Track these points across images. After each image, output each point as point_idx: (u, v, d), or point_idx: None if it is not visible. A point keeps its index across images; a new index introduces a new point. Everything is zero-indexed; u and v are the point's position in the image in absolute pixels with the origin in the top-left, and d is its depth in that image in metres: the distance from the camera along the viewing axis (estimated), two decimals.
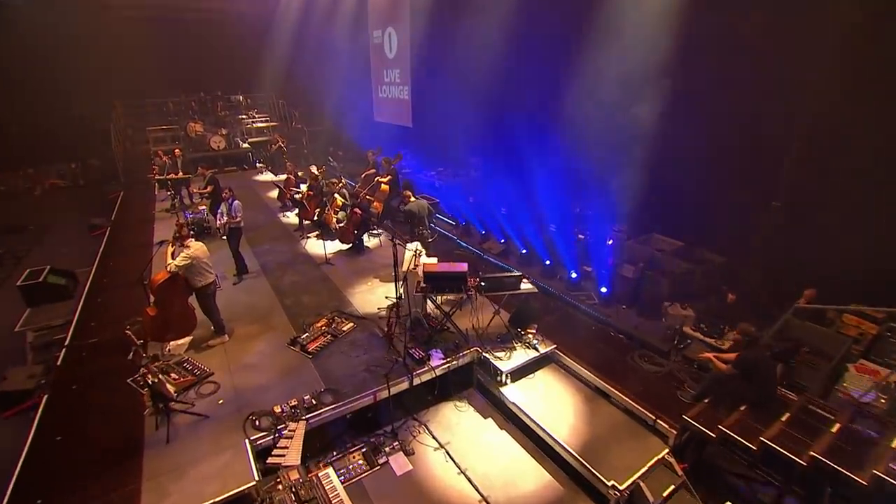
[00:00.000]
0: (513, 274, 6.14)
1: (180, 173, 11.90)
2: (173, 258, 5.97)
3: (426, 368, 5.95)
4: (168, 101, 17.83)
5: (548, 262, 8.69)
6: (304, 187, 11.51)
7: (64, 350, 6.49)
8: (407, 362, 5.99)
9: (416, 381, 5.84)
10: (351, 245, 9.30)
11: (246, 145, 16.69)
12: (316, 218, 10.02)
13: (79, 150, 17.63)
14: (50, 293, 8.18)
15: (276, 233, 10.53)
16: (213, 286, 6.21)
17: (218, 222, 7.87)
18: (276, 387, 5.64)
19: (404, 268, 6.41)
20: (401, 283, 6.54)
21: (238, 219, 7.85)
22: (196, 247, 6.01)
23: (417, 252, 6.70)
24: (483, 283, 5.99)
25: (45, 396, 5.63)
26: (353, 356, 6.17)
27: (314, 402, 5.34)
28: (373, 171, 11.08)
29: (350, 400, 5.44)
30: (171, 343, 6.28)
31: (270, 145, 16.63)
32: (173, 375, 5.66)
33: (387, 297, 7.50)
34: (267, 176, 15.69)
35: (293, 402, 5.30)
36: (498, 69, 10.26)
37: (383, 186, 10.03)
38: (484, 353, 6.20)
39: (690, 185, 7.43)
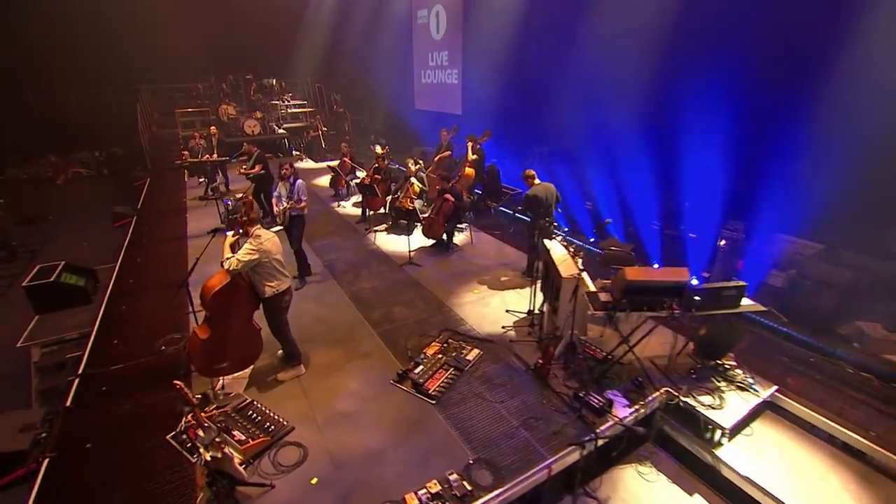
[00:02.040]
0: (733, 285, 3.99)
1: (215, 155, 9.88)
2: (234, 252, 3.92)
3: (611, 422, 3.85)
4: (197, 83, 15.82)
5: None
6: (359, 174, 9.46)
7: (76, 383, 4.47)
8: (584, 413, 3.89)
9: (601, 442, 3.75)
10: (435, 241, 7.21)
11: (282, 131, 14.65)
12: (385, 208, 7.96)
13: (103, 137, 15.77)
14: (63, 296, 6.16)
15: (333, 225, 8.47)
16: (288, 295, 4.15)
17: (275, 208, 5.85)
18: (394, 453, 3.57)
19: (566, 272, 4.29)
20: (535, 292, 4.44)
21: (303, 203, 5.80)
22: (267, 237, 3.95)
23: (575, 252, 4.59)
24: (698, 298, 3.85)
25: (47, 460, 3.62)
26: (495, 401, 4.07)
27: (466, 484, 3.25)
28: (447, 153, 8.98)
29: (521, 479, 3.35)
30: (226, 377, 4.24)
31: (308, 131, 14.59)
32: (236, 433, 3.61)
33: (509, 312, 5.40)
34: (307, 163, 13.65)
35: (433, 487, 3.22)
36: (573, 50, 8.05)
37: (468, 170, 7.92)
38: (682, 398, 4.09)
39: (825, 175, 5.25)
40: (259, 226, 3.99)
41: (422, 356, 4.54)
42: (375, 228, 7.93)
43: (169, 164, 13.16)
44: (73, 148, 15.82)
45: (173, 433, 3.62)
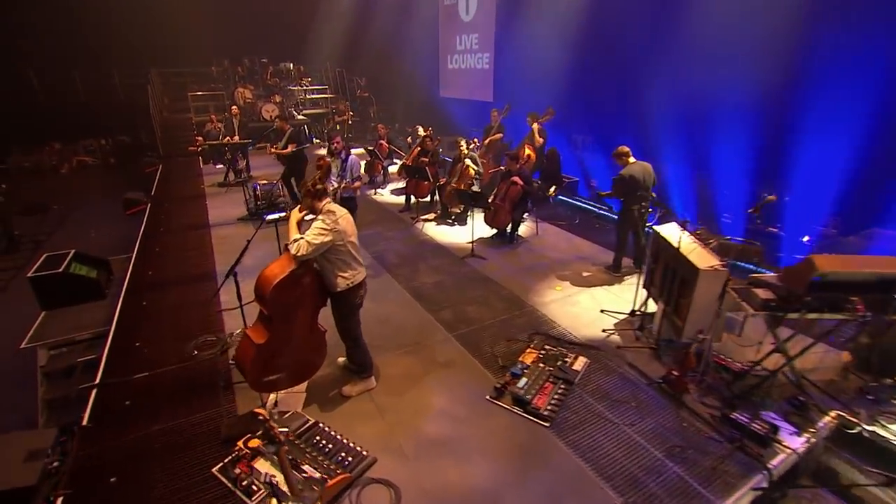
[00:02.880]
0: None
1: (236, 137, 9.14)
2: (300, 231, 3.14)
3: (782, 455, 3.04)
4: (211, 66, 15.09)
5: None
6: (397, 160, 8.68)
7: (93, 394, 3.70)
8: (745, 442, 3.08)
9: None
10: (497, 231, 6.41)
11: (301, 117, 13.90)
12: (431, 196, 7.17)
13: (110, 124, 15.08)
14: (74, 290, 5.40)
15: (374, 213, 7.68)
16: (363, 290, 3.36)
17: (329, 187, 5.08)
18: (513, 494, 2.77)
19: (702, 263, 3.48)
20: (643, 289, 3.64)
21: (358, 183, 5.02)
22: (341, 213, 3.15)
23: (705, 238, 3.79)
24: None
25: (61, 500, 2.85)
26: (622, 423, 3.26)
27: None
28: (499, 135, 8.19)
29: None
30: (281, 392, 3.46)
31: (330, 118, 13.84)
32: (306, 468, 2.82)
33: (604, 312, 4.59)
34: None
35: None
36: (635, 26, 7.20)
37: (529, 152, 7.11)
38: (865, 426, 3.27)
39: None
40: (330, 199, 3.20)
41: (519, 366, 3.74)
42: (424, 217, 7.14)
43: (181, 150, 12.46)
44: (78, 135, 15.19)
45: (221, 465, 2.86)
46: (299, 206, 3.19)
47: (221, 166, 11.31)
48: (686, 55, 6.36)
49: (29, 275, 5.23)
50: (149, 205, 8.29)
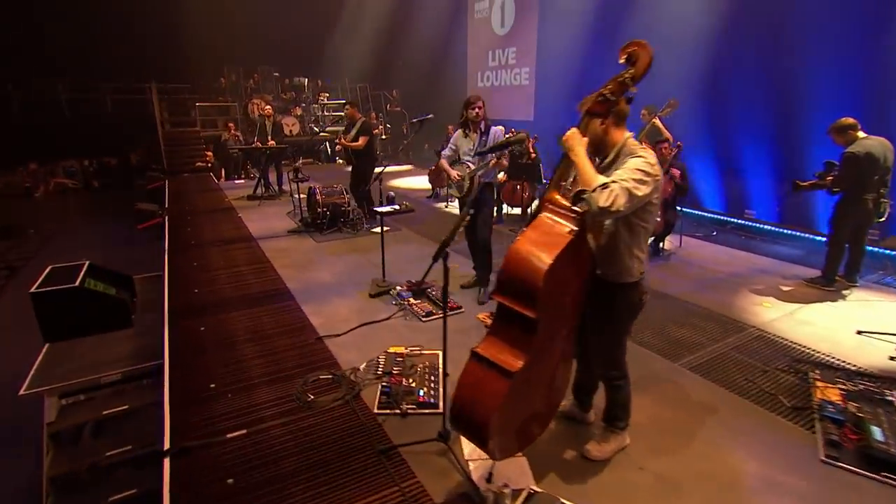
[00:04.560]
0: None
1: (271, 142, 8.09)
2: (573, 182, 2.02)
3: None
4: (220, 78, 14.23)
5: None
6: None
7: (166, 469, 2.38)
8: None
9: None
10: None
11: (325, 134, 12.98)
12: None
13: (98, 142, 13.90)
14: (92, 312, 4.10)
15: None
16: (647, 283, 2.21)
17: (451, 172, 4.00)
18: None
19: None
20: None
21: (504, 162, 3.95)
22: (649, 154, 2.04)
23: None
24: None
25: None
26: None
27: None
28: (666, 141, 7.25)
29: None
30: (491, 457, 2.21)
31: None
32: None
33: (862, 333, 3.51)
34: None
35: None
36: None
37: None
38: None
39: None
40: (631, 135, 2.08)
41: (831, 408, 2.58)
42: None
43: (187, 165, 11.37)
44: (59, 156, 13.94)
45: None
46: (577, 127, 2.01)
47: (242, 181, 10.25)
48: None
49: (32, 290, 3.90)
50: (166, 217, 7.05)
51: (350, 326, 3.67)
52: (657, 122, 6.12)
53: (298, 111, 12.76)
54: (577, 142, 1.91)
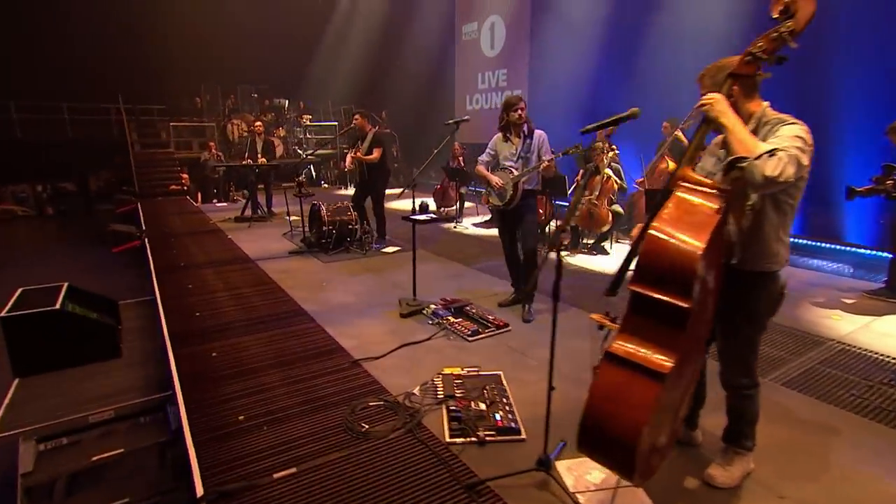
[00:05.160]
0: None
1: (262, 159, 7.85)
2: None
3: None
4: (195, 98, 13.98)
5: None
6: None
7: None
8: None
9: None
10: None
11: (311, 156, 12.78)
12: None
13: (55, 166, 13.32)
14: (74, 340, 3.69)
15: (479, 247, 6.33)
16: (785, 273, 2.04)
17: (492, 179, 3.80)
18: None
19: None
20: None
21: (546, 163, 3.80)
22: (801, 122, 1.86)
23: None
24: None
25: None
26: None
27: None
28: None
29: None
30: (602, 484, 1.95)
31: (338, 160, 12.91)
32: None
33: None
34: (350, 190, 11.72)
35: None
36: None
37: (672, 164, 6.24)
38: None
39: None
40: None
41: None
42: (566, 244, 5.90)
43: (158, 188, 10.96)
44: (11, 180, 13.26)
45: None
46: (719, 91, 1.82)
47: (224, 203, 9.90)
48: None
49: (2, 315, 3.49)
50: (146, 239, 6.64)
51: (388, 348, 3.38)
52: (680, 134, 6.17)
53: (282, 132, 12.58)
54: (725, 105, 1.76)
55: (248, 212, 7.89)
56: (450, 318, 3.79)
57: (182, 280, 4.94)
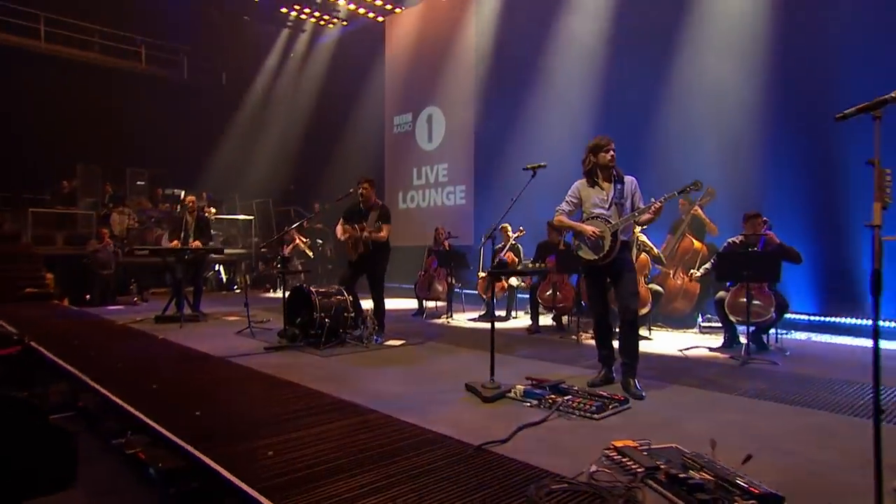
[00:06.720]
0: None
1: (195, 242, 7.19)
2: None
3: None
4: (62, 182, 12.79)
5: None
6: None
7: None
8: None
9: None
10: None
11: (223, 254, 11.93)
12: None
13: None
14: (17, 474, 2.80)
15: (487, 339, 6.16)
16: None
17: (590, 231, 3.72)
18: None
19: None
20: None
21: (651, 215, 3.95)
22: None
23: None
24: None
25: None
26: None
27: None
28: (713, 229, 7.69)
29: None
30: None
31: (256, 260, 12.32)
32: None
33: None
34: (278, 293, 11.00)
35: None
36: None
37: (697, 245, 6.79)
38: None
39: None
40: None
41: None
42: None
43: (10, 292, 9.45)
44: None
45: None
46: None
47: (120, 307, 8.72)
48: None
49: None
50: (27, 342, 5.53)
51: (501, 432, 3.00)
52: (699, 212, 6.86)
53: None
54: None
55: (172, 310, 7.00)
56: (552, 396, 3.52)
57: (134, 383, 4.07)
